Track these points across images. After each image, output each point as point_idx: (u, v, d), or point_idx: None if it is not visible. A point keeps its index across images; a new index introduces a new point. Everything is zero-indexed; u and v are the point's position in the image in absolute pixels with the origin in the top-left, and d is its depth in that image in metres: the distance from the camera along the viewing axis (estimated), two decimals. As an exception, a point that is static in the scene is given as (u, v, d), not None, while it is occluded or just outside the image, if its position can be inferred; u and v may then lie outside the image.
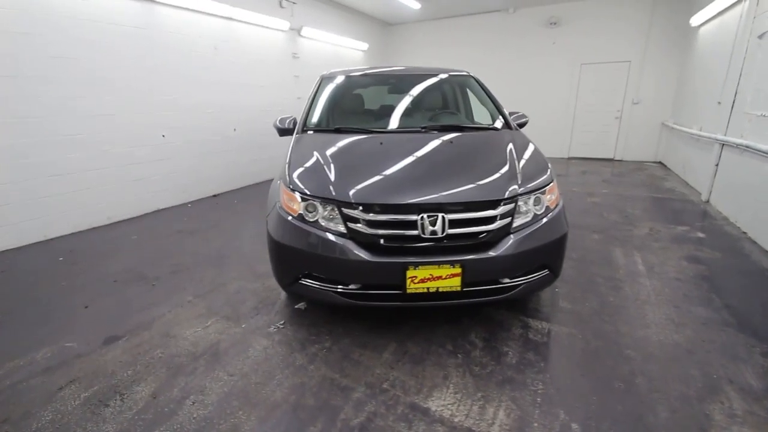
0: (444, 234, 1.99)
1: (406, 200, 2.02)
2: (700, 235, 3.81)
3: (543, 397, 1.80)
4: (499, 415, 1.70)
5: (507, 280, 2.09)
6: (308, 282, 2.16)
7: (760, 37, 3.98)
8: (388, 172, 2.27)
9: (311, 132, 2.91)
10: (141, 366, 2.05)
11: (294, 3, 6.69)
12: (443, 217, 1.99)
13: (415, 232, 1.99)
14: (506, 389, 1.86)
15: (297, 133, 2.93)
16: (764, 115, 3.76)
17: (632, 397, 1.79)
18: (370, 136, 2.77)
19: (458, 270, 1.99)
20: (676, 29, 7.12)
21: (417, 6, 7.64)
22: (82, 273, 3.17)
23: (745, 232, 3.81)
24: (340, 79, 3.46)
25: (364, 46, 8.91)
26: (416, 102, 3.36)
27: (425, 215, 1.98)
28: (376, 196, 2.06)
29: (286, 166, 2.40)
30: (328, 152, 2.48)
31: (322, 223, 2.08)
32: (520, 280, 2.11)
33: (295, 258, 2.15)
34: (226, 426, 1.66)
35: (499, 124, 3.01)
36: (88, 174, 4.17)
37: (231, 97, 5.79)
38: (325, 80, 3.43)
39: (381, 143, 2.61)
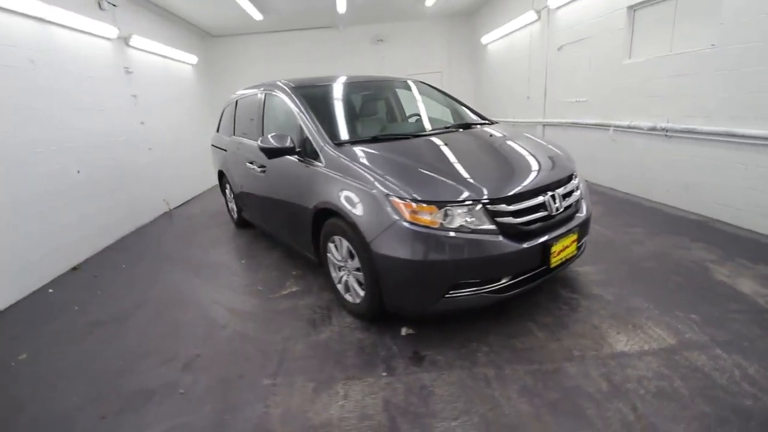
0: (561, 209, 2.27)
1: (532, 185, 2.19)
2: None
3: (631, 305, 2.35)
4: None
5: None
6: (456, 293, 2.04)
7: (559, 49, 5.83)
8: (484, 166, 2.36)
9: (349, 145, 2.58)
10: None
11: (115, 6, 5.25)
12: (557, 194, 2.26)
13: (545, 213, 2.18)
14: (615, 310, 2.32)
15: (330, 150, 2.53)
16: (577, 101, 5.57)
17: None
18: (421, 139, 2.74)
19: (575, 236, 2.32)
20: (470, 46, 9.30)
21: (259, 17, 7.22)
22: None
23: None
24: (310, 91, 3.16)
25: (194, 59, 7.75)
26: (399, 107, 3.42)
27: (548, 195, 2.21)
28: (506, 187, 2.14)
29: (384, 181, 2.13)
30: (406, 159, 2.34)
31: (470, 226, 2.00)
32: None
33: (443, 271, 2.00)
34: None
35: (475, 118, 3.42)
36: None
37: (65, 127, 4.12)
38: (290, 93, 3.06)
39: (446, 144, 2.61)
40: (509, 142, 2.73)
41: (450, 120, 3.34)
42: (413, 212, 2.00)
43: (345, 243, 2.39)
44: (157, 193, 5.98)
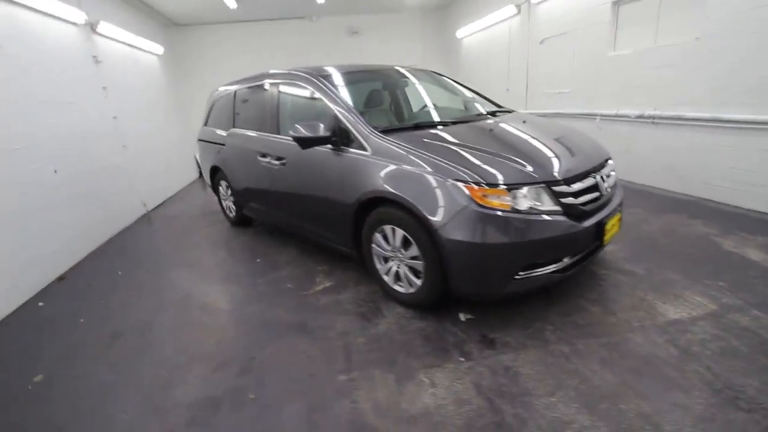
0: (609, 189, 2.38)
1: (585, 167, 2.28)
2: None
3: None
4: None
5: None
6: (526, 274, 2.08)
7: (542, 42, 6.07)
8: (537, 150, 2.40)
9: (395, 133, 2.53)
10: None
11: (77, -14, 4.73)
12: (603, 175, 2.37)
13: (597, 193, 2.28)
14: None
15: (378, 138, 2.47)
16: (561, 92, 5.85)
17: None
18: (464, 125, 2.77)
19: (620, 214, 2.45)
20: (445, 40, 9.43)
21: (234, 5, 6.83)
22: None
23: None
24: (338, 78, 3.07)
25: (160, 49, 7.20)
26: (426, 96, 3.39)
27: (598, 176, 2.31)
28: (565, 169, 2.20)
29: (449, 166, 2.12)
30: (461, 145, 2.35)
31: (538, 208, 2.04)
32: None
33: (516, 253, 2.03)
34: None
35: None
36: None
37: (37, 121, 3.67)
38: (319, 81, 2.96)
39: (491, 130, 2.63)
40: (548, 127, 2.83)
41: (478, 108, 3.35)
42: (484, 196, 2.01)
43: (399, 232, 2.34)
44: (134, 195, 5.51)
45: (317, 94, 2.92)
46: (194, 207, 5.94)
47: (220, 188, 4.70)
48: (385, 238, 2.47)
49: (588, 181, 2.25)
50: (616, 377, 1.80)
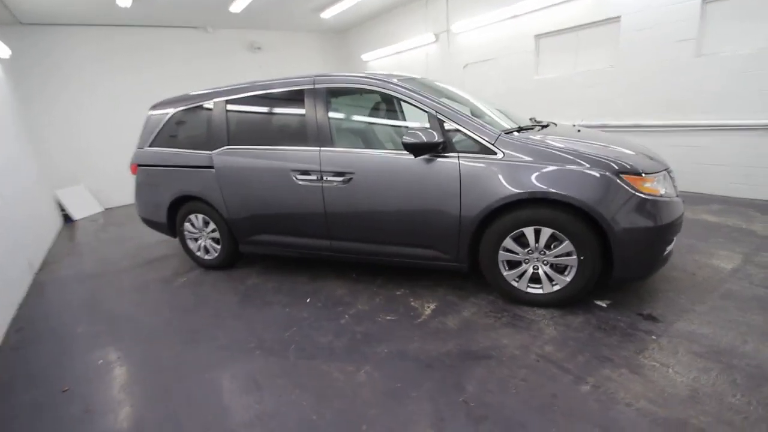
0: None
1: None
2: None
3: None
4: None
5: None
6: (667, 251, 2.37)
7: (465, 67, 6.85)
8: (630, 145, 2.71)
9: (517, 134, 2.57)
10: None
11: None
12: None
13: None
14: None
15: (511, 139, 2.46)
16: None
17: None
18: (561, 126, 3.04)
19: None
20: (349, 61, 9.57)
21: (127, 3, 5.46)
22: None
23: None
24: (417, 85, 2.87)
25: (6, 52, 5.18)
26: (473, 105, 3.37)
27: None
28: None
29: (607, 160, 2.25)
30: (584, 142, 2.51)
31: (671, 192, 2.35)
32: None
33: (669, 232, 2.30)
34: None
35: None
36: None
37: None
38: (405, 86, 2.73)
39: (579, 131, 2.85)
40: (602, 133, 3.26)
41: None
42: (643, 184, 2.22)
43: (546, 232, 2.33)
44: (19, 252, 3.76)
45: (410, 100, 2.66)
46: (112, 257, 4.39)
47: (189, 224, 3.66)
48: (524, 241, 2.41)
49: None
50: (765, 318, 2.22)
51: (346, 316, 2.68)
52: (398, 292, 2.92)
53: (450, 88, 3.31)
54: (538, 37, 5.73)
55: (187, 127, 3.63)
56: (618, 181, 2.20)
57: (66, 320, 3.04)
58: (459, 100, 3.06)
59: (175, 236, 3.88)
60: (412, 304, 2.74)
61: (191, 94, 3.59)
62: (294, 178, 2.94)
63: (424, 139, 2.39)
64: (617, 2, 4.76)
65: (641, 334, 2.18)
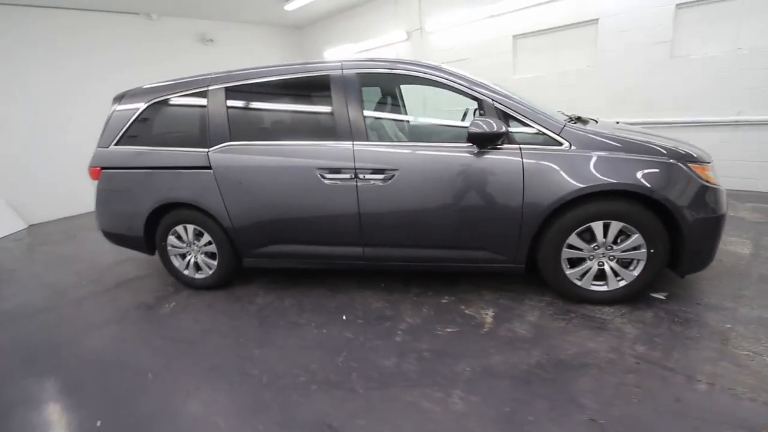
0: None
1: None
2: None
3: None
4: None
5: None
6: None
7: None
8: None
9: (579, 123, 2.45)
10: None
11: None
12: None
13: None
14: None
15: (576, 129, 2.34)
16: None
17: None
18: (590, 121, 2.85)
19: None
20: (309, 57, 9.05)
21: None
22: None
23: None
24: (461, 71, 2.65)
25: None
26: None
27: None
28: None
29: (675, 149, 2.22)
30: (633, 133, 2.46)
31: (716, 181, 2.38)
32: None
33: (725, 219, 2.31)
34: None
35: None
36: None
37: None
38: (449, 72, 2.52)
39: (617, 122, 2.79)
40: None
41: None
42: (707, 173, 2.21)
43: (616, 225, 2.23)
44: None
45: (467, 88, 2.43)
46: (65, 283, 3.53)
47: (173, 238, 3.05)
48: (591, 236, 2.29)
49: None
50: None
51: (399, 332, 2.35)
52: (443, 300, 2.65)
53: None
54: (516, 37, 5.82)
55: (168, 121, 3.05)
56: (687, 170, 2.17)
57: (21, 380, 2.30)
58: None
59: (152, 253, 3.22)
60: (466, 312, 2.50)
61: (173, 82, 3.01)
62: (320, 177, 2.55)
63: (495, 129, 2.18)
64: (595, 5, 4.97)
65: (714, 324, 2.16)
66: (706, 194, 2.17)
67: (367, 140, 2.53)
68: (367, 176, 2.49)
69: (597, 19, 5.01)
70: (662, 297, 2.46)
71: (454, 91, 2.50)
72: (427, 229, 2.53)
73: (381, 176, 2.47)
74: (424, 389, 1.86)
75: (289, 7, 6.87)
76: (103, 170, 3.10)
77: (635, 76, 4.88)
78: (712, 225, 2.20)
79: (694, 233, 2.17)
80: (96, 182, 3.15)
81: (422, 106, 4.75)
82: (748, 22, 4.09)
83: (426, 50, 6.90)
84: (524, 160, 2.28)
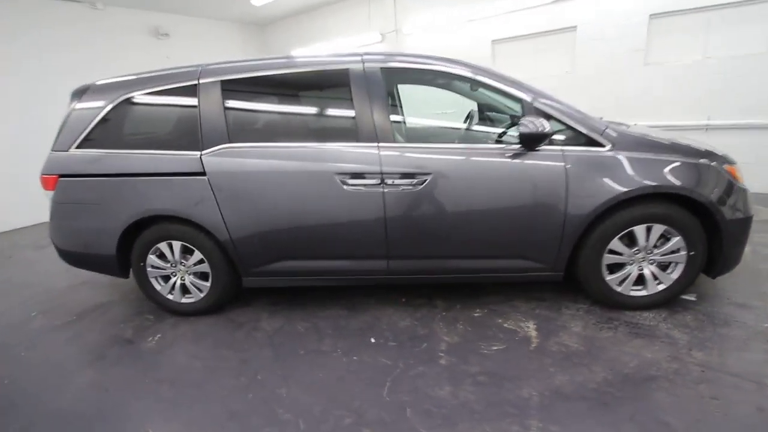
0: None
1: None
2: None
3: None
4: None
5: None
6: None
7: (417, 69, 6.64)
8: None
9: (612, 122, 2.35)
10: None
11: None
12: None
13: None
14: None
15: (619, 130, 2.29)
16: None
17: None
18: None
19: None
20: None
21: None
22: None
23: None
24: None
25: None
26: None
27: None
28: None
29: (711, 151, 2.21)
30: (660, 133, 2.45)
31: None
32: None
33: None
34: None
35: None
36: None
37: None
38: (482, 69, 2.40)
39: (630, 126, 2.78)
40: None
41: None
42: (738, 174, 2.22)
43: (659, 228, 2.18)
44: None
45: (505, 86, 2.30)
46: (13, 316, 2.88)
47: (153, 258, 2.58)
48: (631, 240, 2.23)
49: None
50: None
51: (441, 353, 2.12)
52: (476, 314, 2.46)
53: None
54: (495, 42, 5.86)
55: (146, 119, 2.60)
56: (723, 172, 2.17)
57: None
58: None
59: (126, 276, 2.72)
60: (505, 326, 2.32)
61: (152, 74, 2.58)
62: (340, 183, 2.25)
63: (545, 129, 2.03)
64: (574, 13, 5.12)
65: (754, 324, 2.16)
66: (740, 196, 2.18)
67: (394, 141, 2.29)
68: (396, 181, 2.23)
69: (575, 27, 5.16)
70: (693, 299, 2.45)
71: (495, 92, 2.35)
72: (462, 238, 2.32)
73: (412, 181, 2.23)
74: (496, 423, 1.64)
75: (256, 2, 6.40)
76: (62, 178, 2.55)
77: (612, 82, 5.07)
78: (744, 225, 2.22)
79: (731, 235, 2.17)
80: (51, 193, 2.60)
81: (421, 107, 4.54)
82: (718, 32, 4.39)
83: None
84: (567, 163, 2.16)
